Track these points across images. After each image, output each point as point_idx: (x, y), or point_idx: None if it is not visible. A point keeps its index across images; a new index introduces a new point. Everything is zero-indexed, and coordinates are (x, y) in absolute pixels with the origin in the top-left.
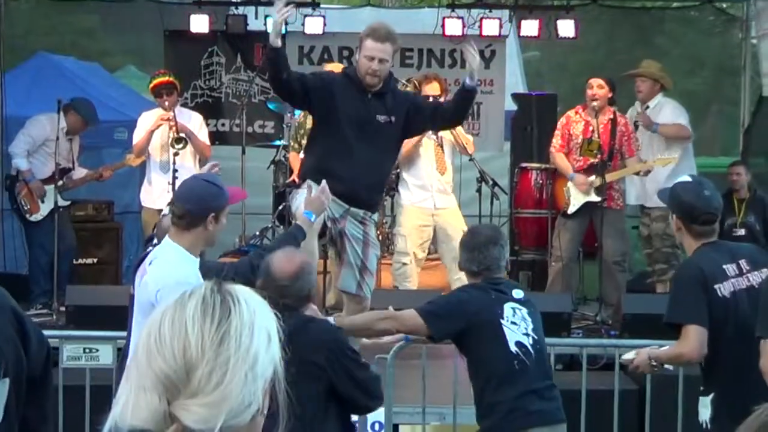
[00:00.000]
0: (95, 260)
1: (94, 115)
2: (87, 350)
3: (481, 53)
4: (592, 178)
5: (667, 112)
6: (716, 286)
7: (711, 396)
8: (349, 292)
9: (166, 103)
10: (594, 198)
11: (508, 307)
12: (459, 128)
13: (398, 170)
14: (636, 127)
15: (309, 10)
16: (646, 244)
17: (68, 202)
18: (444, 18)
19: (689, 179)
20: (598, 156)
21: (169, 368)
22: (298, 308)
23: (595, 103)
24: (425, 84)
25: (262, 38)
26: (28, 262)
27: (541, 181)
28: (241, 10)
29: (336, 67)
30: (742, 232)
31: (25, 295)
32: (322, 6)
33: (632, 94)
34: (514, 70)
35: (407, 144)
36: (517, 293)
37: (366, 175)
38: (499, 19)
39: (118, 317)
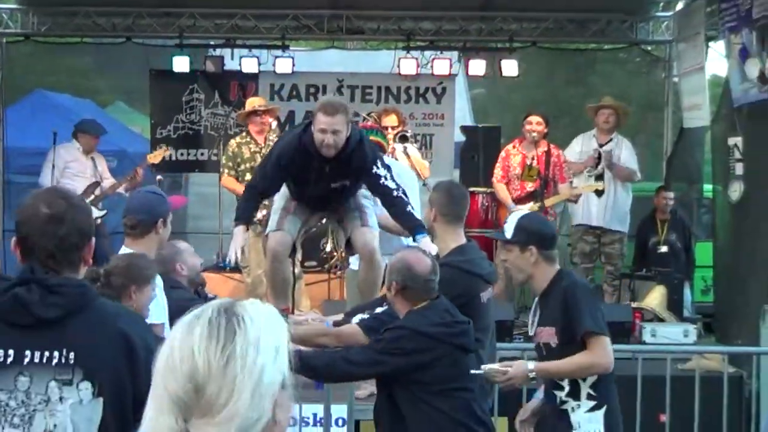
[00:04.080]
0: None
1: (99, 127)
2: None
3: (433, 90)
4: (530, 204)
5: (626, 154)
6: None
7: (604, 409)
8: (356, 227)
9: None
10: None
11: None
12: (416, 154)
13: None
14: (599, 157)
15: (279, 52)
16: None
17: (104, 212)
18: (400, 58)
19: (528, 211)
20: (537, 180)
21: (180, 390)
22: None
23: (534, 135)
24: (384, 116)
25: (237, 77)
26: None
27: (486, 204)
28: (218, 51)
29: (259, 101)
30: (664, 249)
31: None
32: (291, 48)
33: (565, 127)
34: (462, 106)
35: None
36: None
37: (330, 205)
38: (450, 59)
39: None
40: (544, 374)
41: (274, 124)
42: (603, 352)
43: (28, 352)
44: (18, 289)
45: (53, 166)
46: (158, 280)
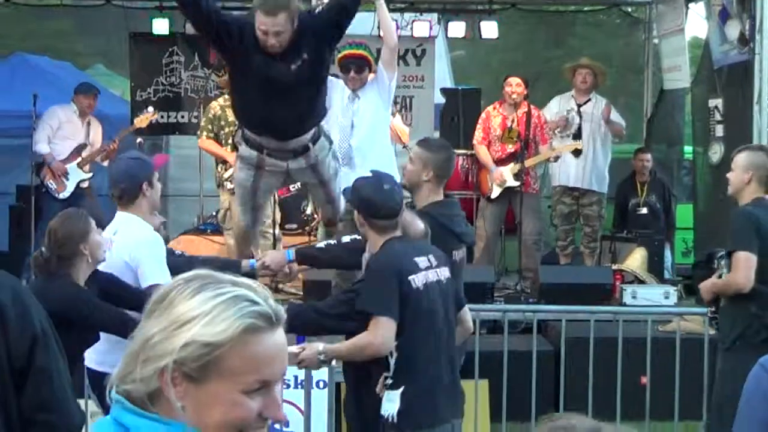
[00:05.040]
0: None
1: (94, 88)
2: None
3: (413, 52)
4: (510, 165)
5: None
6: (411, 278)
7: (401, 390)
8: (322, 204)
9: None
10: (513, 183)
11: None
12: (396, 120)
13: None
14: (569, 116)
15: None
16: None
17: (90, 174)
18: (378, 19)
19: (370, 175)
20: (517, 143)
21: None
22: None
23: (514, 96)
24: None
25: None
26: (34, 240)
27: (466, 166)
28: None
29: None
30: (644, 210)
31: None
32: None
33: (545, 89)
34: (442, 68)
35: None
36: None
37: (291, 123)
38: (429, 21)
39: None
40: (332, 355)
41: None
42: (375, 333)
43: None
44: None
45: (46, 127)
46: (160, 240)
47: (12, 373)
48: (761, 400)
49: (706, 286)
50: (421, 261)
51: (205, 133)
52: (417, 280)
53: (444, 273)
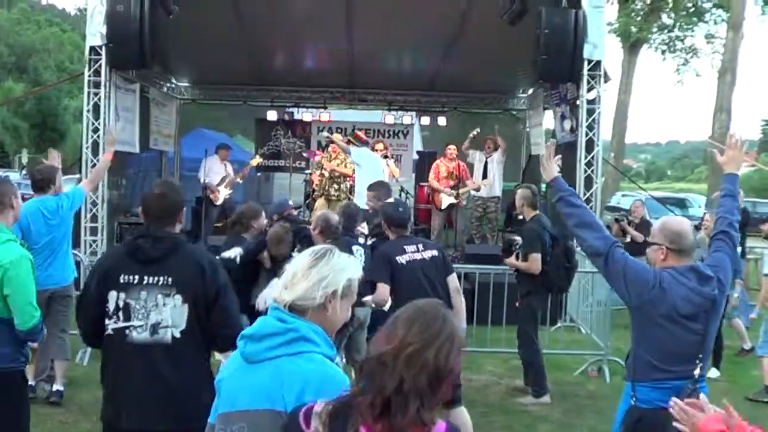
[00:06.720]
0: None
1: (228, 145)
2: None
3: (402, 132)
4: (450, 191)
5: (498, 161)
6: (397, 257)
7: None
8: None
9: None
10: (453, 201)
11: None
12: (392, 165)
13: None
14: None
15: (322, 110)
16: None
17: (231, 191)
18: (385, 115)
19: (393, 201)
20: (456, 180)
21: (285, 279)
22: None
23: (452, 155)
24: (377, 144)
25: (300, 123)
26: (204, 227)
27: (428, 192)
28: (291, 109)
29: (340, 137)
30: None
31: None
32: (328, 108)
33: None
34: (417, 140)
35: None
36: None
37: None
38: (411, 115)
39: None
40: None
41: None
42: (377, 293)
43: (146, 277)
44: (139, 239)
45: (206, 168)
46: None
47: (206, 306)
48: (650, 279)
49: (511, 262)
50: (409, 248)
51: (313, 170)
52: (402, 259)
53: (429, 253)
